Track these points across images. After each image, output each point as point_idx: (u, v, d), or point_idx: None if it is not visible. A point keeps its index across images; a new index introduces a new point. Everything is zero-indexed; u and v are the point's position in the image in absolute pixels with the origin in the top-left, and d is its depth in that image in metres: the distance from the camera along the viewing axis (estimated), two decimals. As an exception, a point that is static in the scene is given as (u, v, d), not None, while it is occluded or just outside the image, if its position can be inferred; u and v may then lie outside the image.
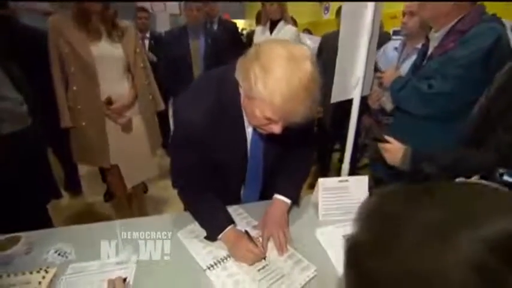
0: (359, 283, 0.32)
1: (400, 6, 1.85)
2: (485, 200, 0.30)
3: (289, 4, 2.56)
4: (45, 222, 1.59)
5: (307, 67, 0.71)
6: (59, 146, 2.20)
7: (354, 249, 0.33)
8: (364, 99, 1.62)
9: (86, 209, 2.55)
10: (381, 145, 1.12)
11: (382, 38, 1.80)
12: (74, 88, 1.65)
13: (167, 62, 2.62)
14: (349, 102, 1.56)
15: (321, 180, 1.11)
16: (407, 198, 0.33)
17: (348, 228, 1.02)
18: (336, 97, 1.48)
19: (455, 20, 1.16)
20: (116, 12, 1.68)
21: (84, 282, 0.83)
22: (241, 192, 1.15)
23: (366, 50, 1.43)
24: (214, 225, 0.98)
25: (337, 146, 3.01)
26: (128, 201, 2.17)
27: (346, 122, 1.62)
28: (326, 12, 5.44)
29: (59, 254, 0.92)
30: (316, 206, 1.13)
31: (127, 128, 1.82)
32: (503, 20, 1.15)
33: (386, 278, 0.29)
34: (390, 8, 2.94)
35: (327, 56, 2.26)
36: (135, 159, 1.91)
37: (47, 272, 0.84)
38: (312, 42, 2.97)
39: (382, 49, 2.03)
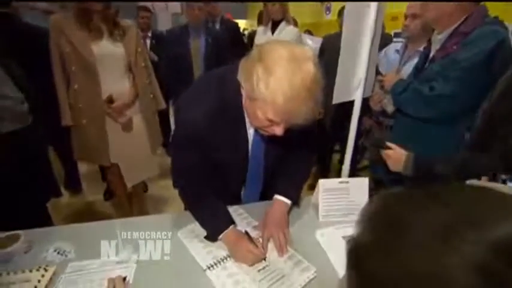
0: (361, 284, 0.32)
1: (402, 8, 1.84)
2: (491, 203, 0.30)
3: (290, 4, 2.56)
4: (44, 221, 1.59)
5: (310, 68, 0.71)
6: (60, 145, 2.21)
7: (356, 250, 0.33)
8: (365, 101, 1.62)
9: (85, 208, 2.55)
10: (383, 152, 1.12)
11: (383, 40, 1.79)
12: (75, 87, 1.66)
13: (168, 61, 2.62)
14: (350, 103, 1.55)
15: (321, 181, 1.11)
16: (411, 200, 0.32)
17: (348, 230, 1.02)
18: (337, 98, 1.48)
19: (458, 22, 1.16)
20: (117, 12, 1.69)
21: (84, 280, 0.83)
22: (242, 192, 1.15)
23: (368, 51, 1.42)
24: (214, 226, 0.98)
25: (337, 147, 3.01)
26: (128, 200, 2.17)
27: (347, 123, 1.62)
28: (328, 12, 5.44)
29: (58, 253, 0.92)
30: (316, 207, 1.13)
31: (127, 126, 1.82)
32: (506, 23, 1.15)
33: (388, 279, 0.29)
34: (392, 9, 2.94)
35: (328, 57, 2.26)
36: (135, 158, 1.91)
37: (46, 270, 0.84)
38: (313, 43, 2.97)
39: (383, 51, 2.03)
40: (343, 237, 1.01)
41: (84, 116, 1.70)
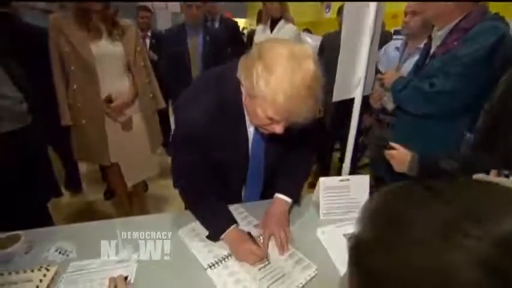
0: (363, 281, 0.32)
1: (402, 6, 1.84)
2: (495, 198, 0.29)
3: (290, 3, 2.55)
4: (45, 221, 1.58)
5: (310, 66, 0.70)
6: (59, 144, 2.21)
7: (357, 247, 0.33)
8: (365, 99, 1.62)
9: (86, 207, 2.55)
10: (386, 152, 1.12)
11: (383, 37, 1.79)
12: (74, 86, 1.66)
13: (167, 60, 2.62)
14: (350, 101, 1.55)
15: (322, 179, 1.10)
16: (412, 196, 0.32)
17: (349, 228, 1.02)
18: (337, 96, 1.48)
19: (459, 18, 1.15)
20: (117, 11, 1.68)
21: (85, 280, 0.83)
22: (242, 191, 1.14)
23: (367, 49, 1.42)
24: (216, 226, 0.98)
25: (337, 146, 3.00)
26: (128, 200, 2.17)
27: (347, 121, 1.62)
28: (327, 10, 5.43)
29: (59, 252, 0.92)
30: (317, 205, 1.13)
31: (127, 126, 1.82)
32: (507, 19, 1.14)
33: (390, 276, 0.29)
34: (391, 7, 2.93)
35: (328, 55, 2.26)
36: (135, 158, 1.91)
37: (47, 270, 0.84)
38: (312, 41, 2.96)
39: (383, 49, 2.02)
40: (344, 235, 1.01)
41: (83, 115, 1.70)
